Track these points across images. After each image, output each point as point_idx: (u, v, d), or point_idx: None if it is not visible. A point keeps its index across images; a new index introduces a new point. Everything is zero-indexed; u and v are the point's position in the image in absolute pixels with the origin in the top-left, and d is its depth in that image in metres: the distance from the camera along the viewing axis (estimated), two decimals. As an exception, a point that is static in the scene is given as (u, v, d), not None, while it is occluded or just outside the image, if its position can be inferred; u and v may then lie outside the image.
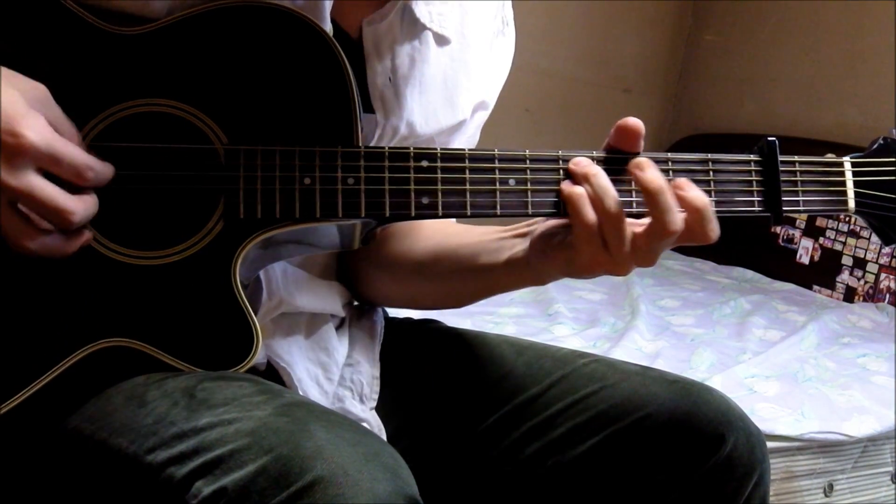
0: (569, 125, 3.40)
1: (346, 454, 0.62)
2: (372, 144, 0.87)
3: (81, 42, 0.75)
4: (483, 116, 1.01)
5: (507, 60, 1.01)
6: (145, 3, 0.76)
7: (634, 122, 0.76)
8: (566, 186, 0.75)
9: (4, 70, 0.66)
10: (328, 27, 0.81)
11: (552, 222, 0.80)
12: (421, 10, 0.88)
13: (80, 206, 0.68)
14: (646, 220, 0.74)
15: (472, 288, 0.91)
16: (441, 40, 0.91)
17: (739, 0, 3.40)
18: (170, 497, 0.65)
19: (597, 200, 0.73)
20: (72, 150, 0.67)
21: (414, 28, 0.88)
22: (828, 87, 3.04)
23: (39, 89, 0.68)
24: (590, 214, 0.73)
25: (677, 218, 0.72)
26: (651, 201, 0.73)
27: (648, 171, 0.74)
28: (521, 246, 0.83)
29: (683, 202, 0.73)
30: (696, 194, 0.73)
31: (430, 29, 0.89)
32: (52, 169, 0.66)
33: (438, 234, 0.95)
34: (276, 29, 0.76)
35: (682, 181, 0.74)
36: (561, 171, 0.77)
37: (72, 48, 0.75)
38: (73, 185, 0.68)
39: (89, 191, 0.70)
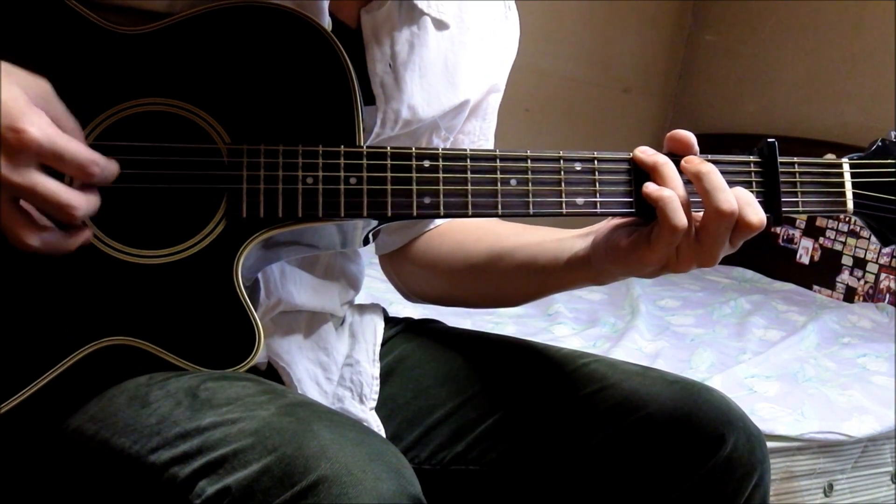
0: (569, 125, 3.40)
1: (349, 454, 0.62)
2: (375, 130, 0.88)
3: (85, 41, 0.75)
4: (496, 99, 1.03)
5: (513, 44, 1.01)
6: (148, 0, 0.76)
7: (684, 133, 0.78)
8: (654, 189, 0.75)
9: (5, 65, 0.66)
10: (327, 22, 0.81)
11: (615, 223, 0.81)
12: None
13: (83, 201, 0.67)
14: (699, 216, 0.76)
15: (529, 288, 0.93)
16: (440, 25, 0.91)
17: (739, 0, 3.40)
18: (173, 497, 0.65)
19: (687, 205, 0.75)
20: (75, 146, 0.67)
21: (412, 14, 0.89)
22: (828, 87, 3.04)
23: (41, 85, 0.67)
24: (682, 219, 0.74)
25: (730, 196, 0.74)
26: (701, 183, 0.75)
27: (695, 160, 0.77)
28: (582, 245, 0.84)
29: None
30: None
31: (427, 14, 0.90)
32: (55, 165, 0.66)
33: (490, 234, 0.97)
34: (277, 28, 0.76)
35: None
36: (631, 172, 0.78)
37: (75, 47, 0.75)
38: (79, 181, 0.69)
39: (93, 187, 0.70)
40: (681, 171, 0.77)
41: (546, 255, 0.88)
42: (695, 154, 0.78)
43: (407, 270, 1.03)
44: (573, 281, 0.88)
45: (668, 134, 0.79)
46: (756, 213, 0.75)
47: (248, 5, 0.76)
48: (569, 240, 0.87)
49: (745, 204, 0.75)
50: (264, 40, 0.76)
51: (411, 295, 1.06)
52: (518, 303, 1.00)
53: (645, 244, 0.76)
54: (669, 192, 0.74)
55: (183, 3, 0.76)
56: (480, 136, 1.02)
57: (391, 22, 0.87)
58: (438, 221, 1.01)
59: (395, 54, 0.88)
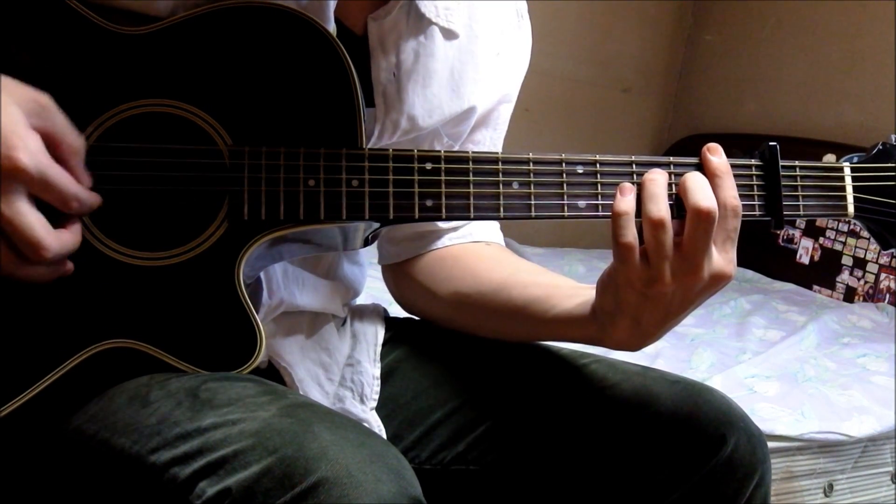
0: (569, 125, 3.40)
1: (350, 455, 0.62)
2: (373, 138, 0.88)
3: (86, 42, 0.75)
4: (508, 109, 1.02)
5: (525, 52, 1.01)
6: (149, 2, 0.76)
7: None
8: (615, 203, 0.74)
9: (6, 80, 0.65)
10: (332, 27, 0.81)
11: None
12: (427, 6, 0.88)
13: (56, 244, 0.66)
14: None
15: (529, 329, 0.89)
16: (449, 34, 0.91)
17: (739, 0, 3.40)
18: (173, 497, 0.65)
19: (656, 224, 0.73)
20: (63, 179, 0.66)
21: (420, 23, 0.88)
22: (828, 87, 3.04)
23: (41, 100, 0.66)
24: (627, 237, 0.73)
25: (709, 193, 0.73)
26: (682, 185, 0.74)
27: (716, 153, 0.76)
28: (591, 293, 0.81)
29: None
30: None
31: (436, 24, 0.89)
32: (42, 195, 0.65)
33: (506, 266, 0.95)
34: (280, 29, 0.76)
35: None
36: (633, 175, 0.77)
37: (76, 48, 0.75)
38: (57, 209, 0.68)
39: (73, 226, 0.69)
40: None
41: (559, 298, 0.85)
42: None
43: (409, 285, 1.01)
44: (576, 331, 0.84)
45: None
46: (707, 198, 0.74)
47: (250, 6, 0.76)
48: (585, 290, 0.84)
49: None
50: (266, 41, 0.76)
51: (410, 309, 1.04)
52: (514, 340, 0.94)
53: (613, 266, 0.75)
54: (624, 208, 0.73)
55: (185, 3, 0.76)
56: (491, 146, 1.01)
57: (398, 31, 0.87)
58: (447, 241, 0.99)
59: (400, 64, 0.87)
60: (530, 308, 0.87)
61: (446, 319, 0.99)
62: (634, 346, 0.79)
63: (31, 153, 0.63)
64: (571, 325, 0.83)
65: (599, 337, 0.81)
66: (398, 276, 1.03)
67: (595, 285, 0.80)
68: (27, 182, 0.64)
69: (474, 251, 0.99)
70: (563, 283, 0.89)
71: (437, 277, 0.98)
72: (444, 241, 0.99)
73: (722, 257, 0.75)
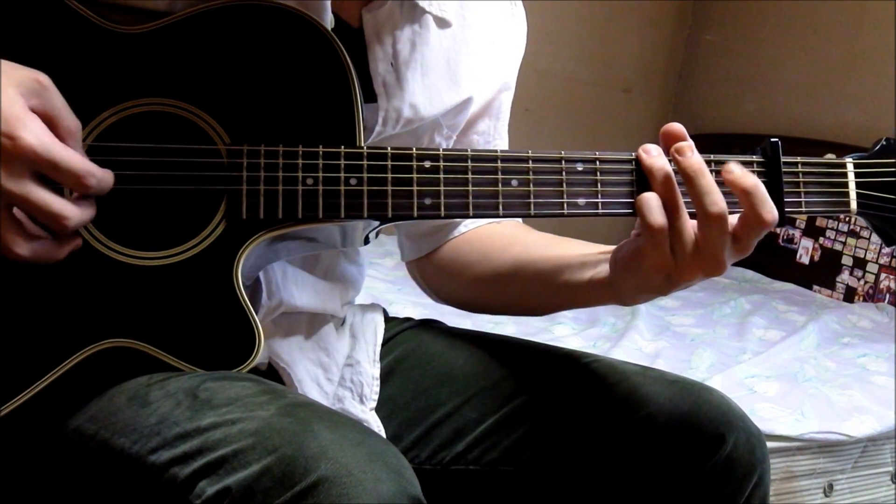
0: (569, 125, 3.41)
1: (349, 454, 0.62)
2: (376, 129, 0.88)
3: (84, 41, 0.75)
4: (508, 97, 1.03)
5: (520, 41, 1.01)
6: (147, 0, 0.76)
7: (676, 127, 0.76)
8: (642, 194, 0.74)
9: (3, 63, 0.65)
10: (329, 22, 0.81)
11: (632, 236, 0.80)
12: None
13: (76, 212, 0.67)
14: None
15: (552, 301, 0.93)
16: (442, 23, 0.91)
17: (739, 0, 3.40)
18: (173, 497, 0.65)
19: (674, 207, 0.73)
20: (70, 156, 0.66)
21: (413, 12, 0.89)
22: (828, 87, 3.04)
23: (39, 79, 0.66)
24: (657, 218, 0.73)
25: (718, 198, 0.73)
26: (690, 187, 0.73)
27: (688, 154, 0.74)
28: (605, 265, 0.83)
29: (732, 186, 0.74)
30: (741, 174, 0.74)
31: (429, 13, 0.90)
32: (50, 174, 0.66)
33: (517, 244, 0.96)
34: (278, 27, 0.76)
35: (730, 164, 0.75)
36: (634, 172, 0.77)
37: (74, 47, 0.75)
38: (74, 191, 0.68)
39: (88, 197, 0.70)
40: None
41: (570, 270, 0.87)
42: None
43: (433, 276, 1.04)
44: (596, 299, 0.87)
45: (662, 129, 0.77)
46: (771, 213, 0.73)
47: (248, 4, 0.76)
48: (594, 256, 0.86)
49: (760, 201, 0.73)
50: (264, 39, 0.76)
51: (439, 298, 1.07)
52: (543, 313, 1.03)
53: (640, 250, 0.75)
54: (648, 195, 0.74)
55: (183, 2, 0.76)
56: (495, 135, 1.02)
57: (393, 20, 0.87)
58: (463, 228, 1.01)
59: (397, 53, 0.88)
60: (544, 284, 0.91)
61: (474, 303, 1.03)
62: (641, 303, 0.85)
63: (34, 133, 0.64)
64: (589, 296, 0.87)
65: (615, 301, 0.84)
66: (423, 268, 1.05)
67: (606, 252, 0.83)
68: (34, 162, 0.64)
69: (486, 233, 1.01)
70: (571, 252, 0.90)
71: (456, 264, 1.00)
72: (461, 228, 1.01)
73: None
